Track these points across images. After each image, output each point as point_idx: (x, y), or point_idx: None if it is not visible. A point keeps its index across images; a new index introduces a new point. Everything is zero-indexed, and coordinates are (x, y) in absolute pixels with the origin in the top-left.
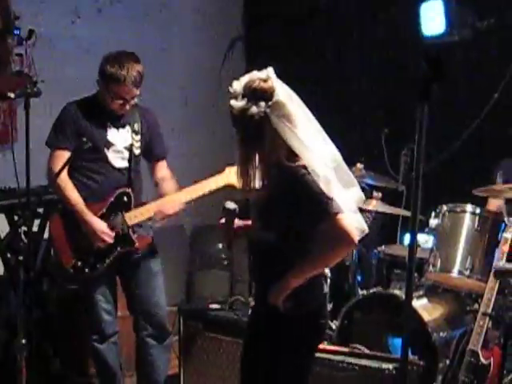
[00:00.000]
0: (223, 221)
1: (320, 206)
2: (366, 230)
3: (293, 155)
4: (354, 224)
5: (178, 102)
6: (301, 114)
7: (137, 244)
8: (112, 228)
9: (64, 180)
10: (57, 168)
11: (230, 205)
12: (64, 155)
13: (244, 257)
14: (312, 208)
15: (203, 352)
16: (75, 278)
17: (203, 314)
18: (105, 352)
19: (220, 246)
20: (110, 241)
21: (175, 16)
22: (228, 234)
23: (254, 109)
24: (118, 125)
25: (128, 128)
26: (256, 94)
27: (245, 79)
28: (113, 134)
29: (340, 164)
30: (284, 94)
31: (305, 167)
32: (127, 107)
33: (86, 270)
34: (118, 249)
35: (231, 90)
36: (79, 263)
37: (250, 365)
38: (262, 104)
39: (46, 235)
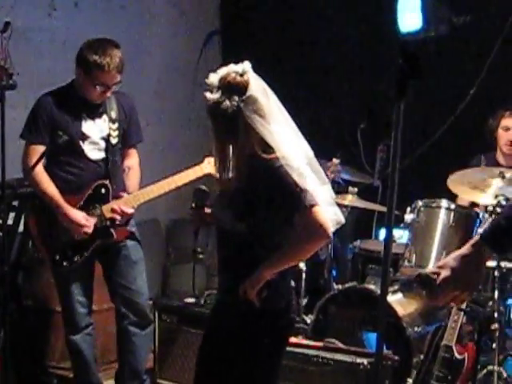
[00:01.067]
0: (194, 204)
1: (294, 198)
2: (343, 221)
3: (267, 148)
4: (330, 216)
5: (154, 96)
6: (275, 110)
7: (115, 236)
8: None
9: (39, 174)
10: (31, 162)
11: (202, 187)
12: (38, 149)
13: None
14: (286, 200)
15: (178, 346)
16: (54, 271)
17: (178, 308)
18: (79, 343)
19: (195, 239)
20: (90, 231)
21: (151, 9)
22: (197, 219)
23: (227, 102)
24: (95, 115)
25: (105, 117)
26: (230, 87)
27: (222, 72)
28: (88, 126)
29: (312, 161)
30: (259, 88)
31: (279, 159)
32: (108, 94)
33: (65, 263)
34: (97, 241)
35: (208, 82)
36: (57, 257)
37: (210, 358)
38: (236, 98)
39: (21, 228)
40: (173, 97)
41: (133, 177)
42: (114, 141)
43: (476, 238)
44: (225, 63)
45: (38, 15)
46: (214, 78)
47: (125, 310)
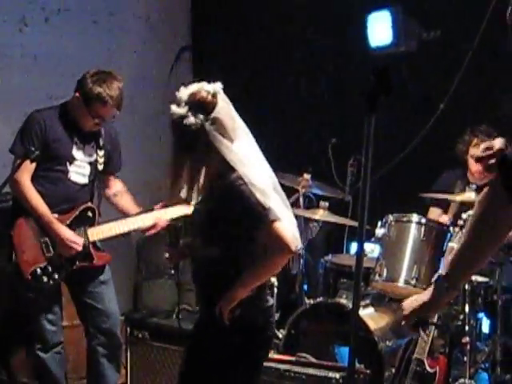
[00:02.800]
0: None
1: (256, 215)
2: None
3: (230, 169)
4: (292, 232)
5: (125, 110)
6: (240, 133)
7: (96, 261)
8: None
9: (30, 189)
10: (23, 176)
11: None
12: (28, 163)
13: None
14: (248, 218)
15: (150, 361)
16: (32, 286)
17: (150, 323)
18: (48, 362)
19: (167, 255)
20: (79, 249)
21: (122, 25)
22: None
23: (191, 119)
24: (85, 141)
25: (93, 143)
26: (198, 104)
27: (192, 88)
28: (77, 150)
29: (276, 186)
30: (226, 112)
31: (241, 178)
32: (100, 127)
33: (44, 279)
34: (77, 263)
35: (177, 95)
36: (38, 271)
37: (191, 376)
38: (201, 116)
39: None
40: (143, 112)
41: (128, 199)
42: (100, 167)
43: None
44: (196, 79)
45: (9, 30)
46: (183, 93)
47: (93, 330)
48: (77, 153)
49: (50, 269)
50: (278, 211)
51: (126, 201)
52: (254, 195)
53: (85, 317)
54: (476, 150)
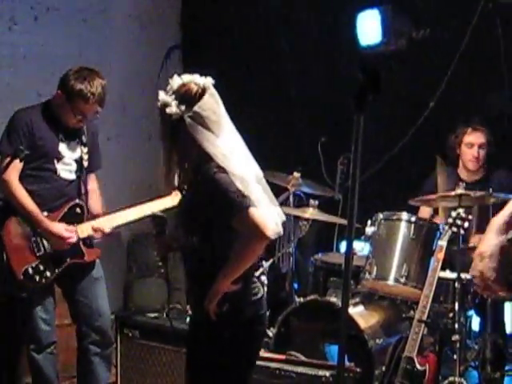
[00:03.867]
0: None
1: (232, 202)
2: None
3: (210, 160)
4: (273, 219)
5: (115, 109)
6: (225, 128)
7: (86, 256)
8: None
9: (18, 188)
10: (10, 175)
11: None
12: (16, 163)
13: (181, 265)
14: (225, 205)
15: (140, 360)
16: (25, 285)
17: (140, 322)
18: (41, 362)
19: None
20: (74, 240)
21: (112, 23)
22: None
23: (173, 108)
24: (69, 137)
25: (77, 140)
26: (183, 96)
27: (185, 78)
28: (63, 147)
29: (261, 182)
30: (210, 107)
31: (220, 167)
32: (82, 124)
33: (37, 278)
34: (68, 260)
35: (170, 82)
36: (30, 271)
37: (192, 376)
38: (182, 107)
39: None
40: (134, 111)
41: (97, 200)
42: (85, 164)
43: None
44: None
45: None
46: (175, 82)
47: (85, 328)
48: (63, 149)
49: (41, 267)
50: (257, 200)
51: (93, 200)
52: (232, 183)
53: (77, 315)
54: (471, 137)
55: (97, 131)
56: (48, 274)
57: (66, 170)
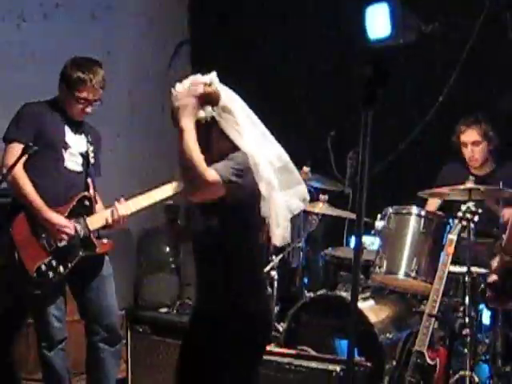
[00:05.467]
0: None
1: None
2: (300, 207)
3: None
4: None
5: (125, 106)
6: (244, 117)
7: (98, 249)
8: (75, 232)
9: (21, 175)
10: (12, 161)
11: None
12: (21, 148)
13: (192, 260)
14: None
15: (151, 356)
16: (39, 282)
17: (151, 317)
18: (53, 359)
19: (167, 249)
20: (72, 233)
21: (121, 20)
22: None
23: (201, 113)
24: (76, 130)
25: (84, 136)
26: (202, 98)
27: (187, 82)
28: (70, 137)
29: (287, 164)
30: (228, 97)
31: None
32: (88, 110)
33: (50, 274)
34: (80, 253)
35: (174, 92)
36: (43, 267)
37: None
38: (209, 108)
39: None
40: (143, 107)
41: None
42: (92, 160)
43: None
44: (194, 73)
45: (7, 27)
46: (179, 88)
47: (95, 326)
48: (70, 140)
49: (54, 263)
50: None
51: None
52: (241, 163)
53: (86, 313)
54: (464, 137)
55: (100, 140)
56: (61, 269)
57: (73, 161)
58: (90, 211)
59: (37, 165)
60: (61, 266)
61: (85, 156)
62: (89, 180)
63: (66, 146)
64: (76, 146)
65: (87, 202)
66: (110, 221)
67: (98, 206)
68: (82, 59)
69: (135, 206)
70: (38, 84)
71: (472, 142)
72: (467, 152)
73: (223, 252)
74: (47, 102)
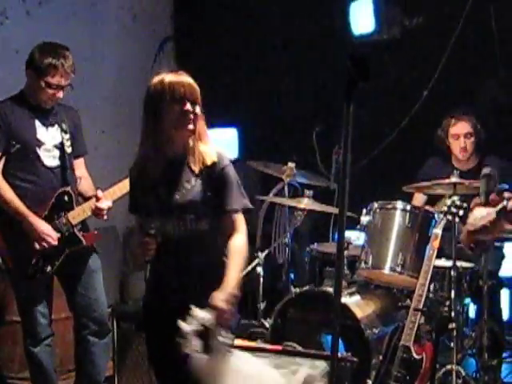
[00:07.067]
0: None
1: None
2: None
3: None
4: None
5: (109, 102)
6: None
7: (84, 241)
8: (57, 230)
9: (2, 183)
10: None
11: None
12: None
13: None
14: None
15: (137, 353)
16: (27, 283)
17: (137, 315)
18: (39, 355)
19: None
20: (54, 243)
21: (104, 16)
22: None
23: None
24: (47, 123)
25: (57, 126)
26: None
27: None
28: (42, 133)
29: None
30: None
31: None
32: (60, 95)
33: (38, 275)
34: (66, 250)
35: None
36: (30, 270)
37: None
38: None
39: None
40: (127, 103)
41: (87, 184)
42: (68, 150)
43: None
44: (179, 69)
45: None
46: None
47: (84, 319)
48: (42, 136)
49: (40, 263)
50: None
51: (84, 185)
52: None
53: (75, 306)
54: (455, 129)
55: (78, 116)
56: (49, 268)
57: (49, 156)
58: (70, 206)
59: (13, 166)
60: (48, 266)
61: (60, 147)
62: (67, 173)
63: (39, 144)
64: (49, 140)
65: (66, 198)
66: (90, 213)
67: (87, 185)
68: (49, 44)
69: (112, 197)
70: (22, 81)
71: (465, 133)
72: (458, 144)
73: (212, 245)
74: (12, 98)
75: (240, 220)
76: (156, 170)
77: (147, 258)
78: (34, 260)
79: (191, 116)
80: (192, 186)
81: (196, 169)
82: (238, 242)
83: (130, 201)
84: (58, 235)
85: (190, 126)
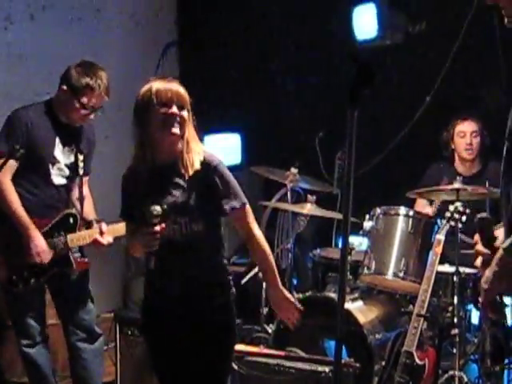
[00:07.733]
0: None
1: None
2: None
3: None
4: None
5: (112, 108)
6: None
7: (74, 266)
8: (53, 247)
9: (10, 190)
10: (4, 177)
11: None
12: (13, 163)
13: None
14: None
15: (140, 359)
16: (10, 290)
17: (139, 320)
18: (35, 356)
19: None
20: (45, 261)
21: (108, 21)
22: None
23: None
24: (66, 141)
25: (73, 146)
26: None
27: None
28: (59, 151)
29: None
30: None
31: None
32: (91, 117)
33: (20, 285)
34: (55, 269)
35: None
36: (14, 277)
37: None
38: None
39: None
40: (131, 109)
41: (89, 205)
42: (81, 172)
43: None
44: (182, 74)
45: None
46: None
47: (72, 327)
48: (58, 154)
49: (25, 274)
50: None
51: (86, 207)
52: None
53: (62, 314)
54: (462, 127)
55: (94, 134)
56: (32, 281)
57: (59, 174)
58: (72, 229)
59: (23, 177)
60: (32, 279)
61: (72, 167)
62: (73, 192)
63: (54, 162)
64: (63, 159)
65: (72, 220)
66: (89, 242)
67: (89, 207)
68: (88, 64)
69: (114, 234)
70: (26, 86)
71: (471, 131)
72: (464, 141)
73: (215, 250)
74: (40, 106)
75: (250, 212)
76: (147, 177)
77: (152, 249)
78: (19, 270)
79: (177, 119)
80: (184, 190)
81: (186, 173)
82: (262, 243)
83: (121, 206)
84: (52, 253)
85: (175, 130)
